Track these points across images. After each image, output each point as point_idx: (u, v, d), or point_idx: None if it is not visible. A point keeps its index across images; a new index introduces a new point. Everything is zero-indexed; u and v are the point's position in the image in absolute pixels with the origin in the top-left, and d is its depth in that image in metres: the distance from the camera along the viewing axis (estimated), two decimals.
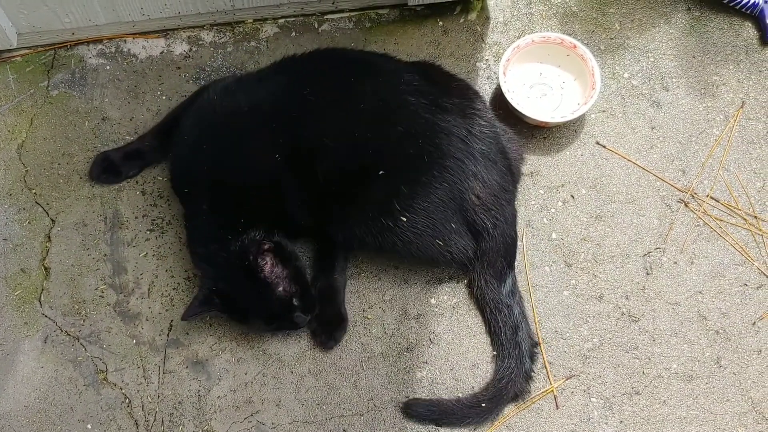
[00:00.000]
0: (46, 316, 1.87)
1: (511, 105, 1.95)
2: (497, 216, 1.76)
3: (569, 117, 1.94)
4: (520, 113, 1.95)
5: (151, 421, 1.79)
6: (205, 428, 1.78)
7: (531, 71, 2.06)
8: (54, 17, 2.00)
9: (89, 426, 1.79)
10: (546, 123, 1.96)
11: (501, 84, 1.96)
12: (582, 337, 1.83)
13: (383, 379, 1.81)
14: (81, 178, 1.97)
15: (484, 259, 1.79)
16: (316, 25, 2.14)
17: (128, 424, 1.78)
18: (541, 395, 1.79)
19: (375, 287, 1.89)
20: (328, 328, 1.84)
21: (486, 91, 2.06)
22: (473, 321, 1.85)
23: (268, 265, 1.72)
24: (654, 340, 1.83)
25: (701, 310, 1.85)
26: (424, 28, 2.14)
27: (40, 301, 1.88)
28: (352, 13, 2.16)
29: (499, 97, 2.01)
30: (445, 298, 1.87)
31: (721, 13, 2.14)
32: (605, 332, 1.84)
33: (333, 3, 2.11)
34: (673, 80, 2.07)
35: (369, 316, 1.86)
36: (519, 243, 1.89)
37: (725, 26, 2.13)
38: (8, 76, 2.07)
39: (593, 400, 1.78)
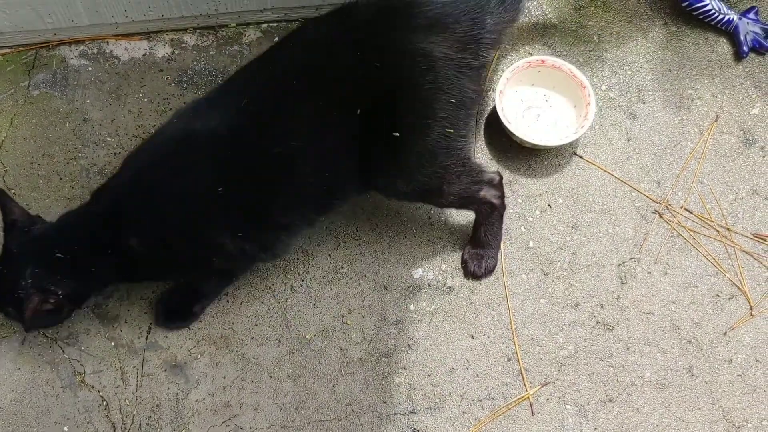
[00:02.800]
0: None
1: (511, 132, 1.98)
2: None
3: (564, 141, 1.98)
4: (521, 139, 1.97)
5: (128, 424, 1.79)
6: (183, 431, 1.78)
7: (526, 93, 2.10)
8: (36, 17, 1.99)
9: (66, 428, 1.78)
10: (541, 146, 1.99)
11: (498, 111, 1.98)
12: (558, 344, 1.86)
13: (362, 385, 1.82)
14: (61, 178, 1.97)
15: None
16: None
17: (105, 426, 1.78)
18: (516, 402, 1.82)
19: (354, 293, 1.90)
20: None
21: None
22: (451, 327, 1.87)
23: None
24: (628, 349, 1.86)
25: (674, 319, 1.88)
26: None
27: None
28: None
29: (493, 119, 2.05)
30: (423, 304, 1.89)
31: (697, 29, 2.18)
32: (580, 340, 1.87)
33: (316, 9, 2.12)
34: (650, 93, 2.11)
35: (348, 322, 1.88)
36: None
37: (701, 41, 2.17)
38: None
39: (568, 407, 1.81)
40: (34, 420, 1.79)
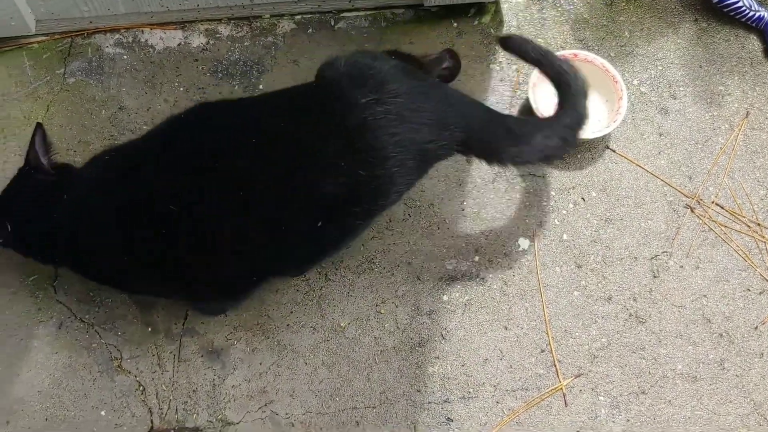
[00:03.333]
0: (60, 303, 1.88)
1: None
2: None
3: (597, 134, 1.99)
4: None
5: (165, 408, 1.80)
6: (219, 417, 1.80)
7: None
8: (73, 5, 2.00)
9: (103, 413, 1.80)
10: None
11: (531, 103, 2.01)
12: (591, 336, 1.88)
13: (395, 373, 1.84)
14: None
15: None
16: (333, 23, 2.17)
17: (142, 411, 1.80)
18: (550, 392, 1.83)
19: (388, 282, 1.91)
20: None
21: (499, 92, 2.10)
22: (484, 318, 1.88)
23: None
24: (660, 342, 1.88)
25: (706, 313, 1.90)
26: (439, 28, 2.17)
27: (54, 287, 1.89)
28: (368, 12, 2.18)
29: (526, 111, 2.08)
30: (457, 295, 1.90)
31: (727, 25, 2.19)
32: (613, 332, 1.88)
33: (350, 1, 2.13)
34: (681, 89, 2.12)
35: (382, 311, 1.89)
36: (531, 243, 1.94)
37: (731, 38, 2.18)
38: (24, 62, 2.08)
39: (601, 398, 1.83)
40: (72, 404, 1.81)
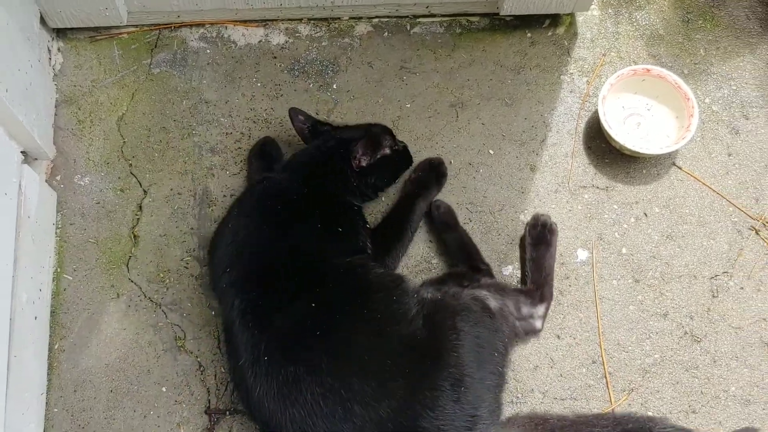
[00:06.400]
0: (131, 281, 1.96)
1: (612, 137, 2.01)
2: None
3: (665, 150, 1.99)
4: (621, 145, 2.00)
5: (222, 390, 1.87)
6: None
7: (628, 101, 2.12)
8: None
9: (164, 389, 1.88)
10: (641, 154, 2.01)
11: (600, 116, 2.01)
12: (644, 352, 1.88)
13: None
14: (175, 153, 2.07)
15: None
16: (408, 27, 2.22)
17: (201, 390, 1.87)
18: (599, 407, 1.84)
19: None
20: None
21: (568, 103, 2.11)
22: None
23: None
24: (714, 362, 1.87)
25: (764, 336, 1.88)
26: (513, 38, 2.20)
27: (127, 266, 1.98)
28: (444, 18, 2.23)
29: (594, 123, 2.09)
30: None
31: None
32: (667, 349, 1.88)
33: (426, 7, 2.18)
34: (754, 110, 2.10)
35: None
36: (589, 255, 1.95)
37: None
38: (114, 51, 2.18)
39: (650, 414, 1.82)
40: (135, 378, 1.89)
